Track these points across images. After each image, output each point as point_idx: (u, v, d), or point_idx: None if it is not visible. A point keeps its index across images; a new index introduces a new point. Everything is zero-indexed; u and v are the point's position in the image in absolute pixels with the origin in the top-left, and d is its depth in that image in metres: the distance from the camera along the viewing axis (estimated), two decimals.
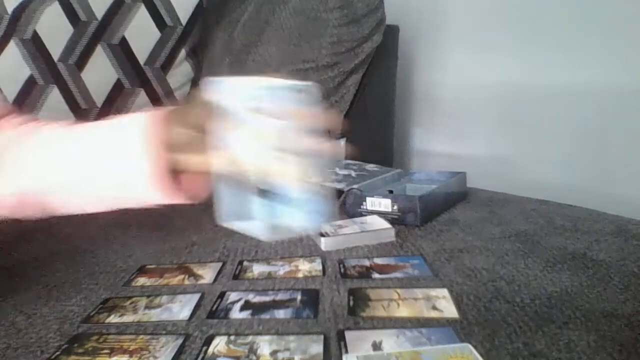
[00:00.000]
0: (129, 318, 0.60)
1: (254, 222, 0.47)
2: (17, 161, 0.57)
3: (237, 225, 0.48)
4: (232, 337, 0.55)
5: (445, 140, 1.39)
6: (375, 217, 0.88)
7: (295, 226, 0.46)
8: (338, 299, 0.62)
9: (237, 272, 0.72)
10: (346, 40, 1.09)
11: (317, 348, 0.52)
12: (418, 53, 1.42)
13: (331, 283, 0.67)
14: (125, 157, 0.52)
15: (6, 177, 0.57)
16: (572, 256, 0.73)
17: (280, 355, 0.51)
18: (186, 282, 0.70)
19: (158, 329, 0.57)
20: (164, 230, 0.88)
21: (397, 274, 0.69)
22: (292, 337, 0.54)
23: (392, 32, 1.26)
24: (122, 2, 1.20)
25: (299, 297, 0.63)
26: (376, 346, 0.51)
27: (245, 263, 0.75)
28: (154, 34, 1.23)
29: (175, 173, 0.51)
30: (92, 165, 0.54)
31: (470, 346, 0.48)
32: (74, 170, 0.55)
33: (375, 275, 0.69)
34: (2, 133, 0.61)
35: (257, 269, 0.73)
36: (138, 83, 1.22)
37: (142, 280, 0.71)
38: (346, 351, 0.51)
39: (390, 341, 0.52)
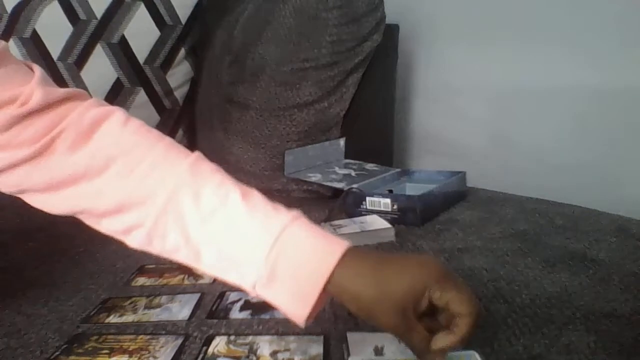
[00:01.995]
0: (128, 318, 0.60)
1: None
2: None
3: None
4: (232, 337, 0.55)
5: (445, 140, 1.39)
6: (375, 217, 0.88)
7: None
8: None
9: None
10: (346, 40, 1.09)
11: (317, 348, 0.52)
12: (418, 52, 1.41)
13: None
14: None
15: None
16: (572, 256, 0.73)
17: (280, 355, 0.51)
18: (186, 282, 0.70)
19: (158, 329, 0.57)
20: None
21: None
22: (292, 338, 0.54)
23: (392, 31, 1.26)
24: (121, 1, 1.20)
25: None
26: (378, 351, 0.51)
27: None
28: (154, 33, 1.23)
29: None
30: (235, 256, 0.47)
31: (476, 354, 0.47)
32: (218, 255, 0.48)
33: None
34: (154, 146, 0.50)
35: None
36: (137, 82, 1.22)
37: (141, 280, 0.71)
38: (349, 354, 0.50)
39: (392, 347, 0.51)
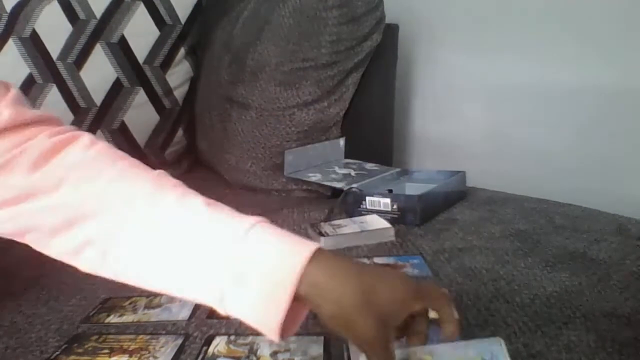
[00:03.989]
0: (128, 318, 0.60)
1: None
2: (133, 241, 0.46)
3: None
4: (232, 337, 0.55)
5: (444, 139, 1.38)
6: (375, 217, 0.88)
7: None
8: None
9: None
10: (346, 39, 1.09)
11: (317, 349, 0.52)
12: (417, 52, 1.41)
13: None
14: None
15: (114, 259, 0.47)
16: (572, 256, 0.73)
17: (280, 356, 0.51)
18: None
19: (158, 329, 0.57)
20: None
21: None
22: (292, 338, 0.54)
23: (391, 31, 1.25)
24: (121, 1, 1.20)
25: None
26: None
27: None
28: (153, 32, 1.23)
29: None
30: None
31: (502, 340, 0.44)
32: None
33: None
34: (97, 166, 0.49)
35: None
36: (137, 82, 1.21)
37: None
38: (349, 355, 0.50)
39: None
